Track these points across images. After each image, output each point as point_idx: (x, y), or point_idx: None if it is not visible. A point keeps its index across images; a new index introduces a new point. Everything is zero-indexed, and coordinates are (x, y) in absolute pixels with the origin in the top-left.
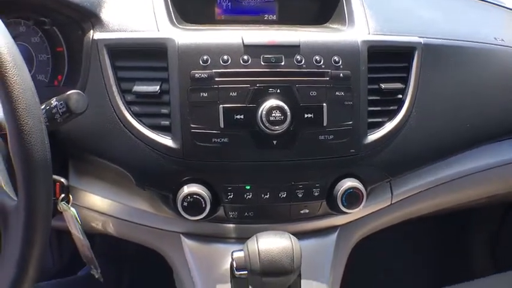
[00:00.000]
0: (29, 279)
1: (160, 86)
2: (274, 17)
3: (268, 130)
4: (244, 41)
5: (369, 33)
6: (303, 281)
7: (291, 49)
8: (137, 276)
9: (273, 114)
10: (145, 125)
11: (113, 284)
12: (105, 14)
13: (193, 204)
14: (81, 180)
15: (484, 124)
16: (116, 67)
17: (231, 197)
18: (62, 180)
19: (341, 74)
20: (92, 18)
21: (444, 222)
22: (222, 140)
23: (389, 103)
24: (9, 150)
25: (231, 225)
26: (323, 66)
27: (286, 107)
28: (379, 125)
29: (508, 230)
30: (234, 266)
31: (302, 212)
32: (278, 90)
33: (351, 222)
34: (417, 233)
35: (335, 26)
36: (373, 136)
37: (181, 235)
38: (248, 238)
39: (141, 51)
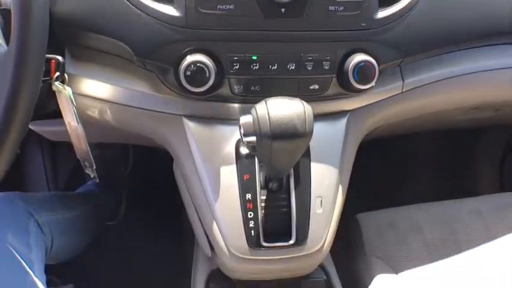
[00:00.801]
0: (18, 120)
1: None
2: None
3: None
4: None
5: None
6: (312, 165)
7: None
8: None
9: None
10: None
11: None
12: None
13: (197, 74)
14: (78, 66)
15: (495, 18)
16: None
17: (237, 67)
18: (58, 57)
19: None
20: None
21: (453, 143)
22: (228, 6)
23: None
24: None
25: (236, 105)
26: None
27: None
28: (390, 2)
29: None
30: (242, 132)
31: (311, 87)
32: None
33: (361, 108)
34: (427, 150)
35: None
36: (384, 12)
37: (183, 117)
38: None
39: None
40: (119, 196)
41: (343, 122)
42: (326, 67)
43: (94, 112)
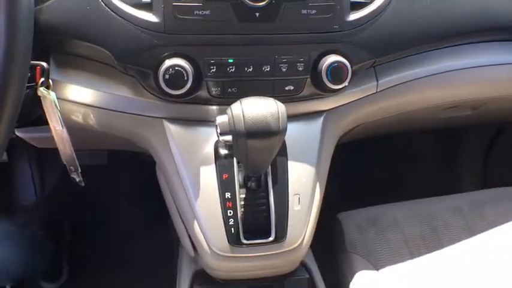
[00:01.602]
0: (4, 124)
1: None
2: None
3: (250, 2)
4: None
5: None
6: (289, 163)
7: None
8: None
9: None
10: (127, 4)
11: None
12: None
13: (175, 77)
14: (62, 72)
15: (465, 18)
16: None
17: (214, 70)
18: (43, 63)
19: None
20: None
21: (438, 142)
22: (204, 12)
23: None
24: None
25: (214, 107)
26: None
27: None
28: (361, 5)
29: (498, 151)
30: (218, 131)
31: (287, 88)
32: None
33: (336, 108)
34: (411, 148)
35: None
36: (356, 15)
37: (163, 120)
38: None
39: None
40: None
41: (319, 121)
42: (300, 68)
43: (78, 117)
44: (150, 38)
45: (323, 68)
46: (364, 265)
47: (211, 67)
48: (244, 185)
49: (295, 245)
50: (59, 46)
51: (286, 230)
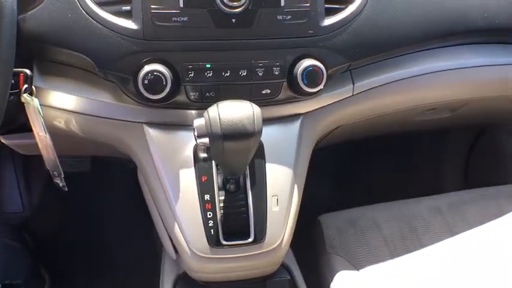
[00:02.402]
0: None
1: None
2: None
3: (227, 8)
4: None
5: None
6: (267, 166)
7: None
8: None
9: None
10: (107, 12)
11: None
12: None
13: (154, 82)
14: (45, 79)
15: (439, 20)
16: None
17: (192, 75)
18: (26, 70)
19: None
20: None
21: (419, 145)
22: (182, 19)
23: None
24: None
25: (193, 111)
26: None
27: None
28: (336, 11)
29: (479, 154)
30: (195, 134)
31: (264, 92)
32: None
33: (313, 111)
34: (393, 151)
35: None
36: (330, 20)
37: (143, 125)
38: None
39: None
40: None
41: (296, 124)
42: (276, 72)
43: (60, 122)
44: (129, 44)
45: (298, 71)
46: (344, 266)
47: (190, 72)
48: (223, 187)
49: (275, 245)
50: (41, 54)
51: (265, 230)
